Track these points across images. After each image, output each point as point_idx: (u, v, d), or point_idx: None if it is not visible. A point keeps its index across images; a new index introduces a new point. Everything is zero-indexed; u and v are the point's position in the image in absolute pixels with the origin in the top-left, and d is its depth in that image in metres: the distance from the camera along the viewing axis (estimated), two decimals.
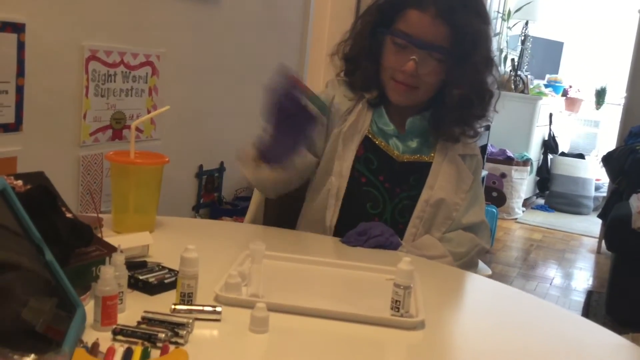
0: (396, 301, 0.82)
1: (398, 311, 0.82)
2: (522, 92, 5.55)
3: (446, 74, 1.23)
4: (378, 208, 1.27)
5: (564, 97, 6.33)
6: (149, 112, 2.18)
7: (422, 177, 1.27)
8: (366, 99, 1.31)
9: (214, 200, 2.84)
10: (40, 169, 0.97)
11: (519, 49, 5.63)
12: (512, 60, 5.57)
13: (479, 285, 1.10)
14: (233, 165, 2.86)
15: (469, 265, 1.24)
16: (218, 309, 0.78)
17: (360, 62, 1.30)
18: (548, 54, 6.34)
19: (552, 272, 3.89)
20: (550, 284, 3.65)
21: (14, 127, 1.69)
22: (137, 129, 2.12)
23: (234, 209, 2.84)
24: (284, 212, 1.40)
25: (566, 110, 6.36)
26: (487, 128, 4.65)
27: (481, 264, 1.32)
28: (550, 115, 5.81)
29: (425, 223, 1.25)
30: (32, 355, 0.46)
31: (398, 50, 1.23)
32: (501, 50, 5.41)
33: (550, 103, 5.85)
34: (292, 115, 1.06)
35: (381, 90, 1.29)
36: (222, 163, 2.82)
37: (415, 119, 1.28)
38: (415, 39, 1.20)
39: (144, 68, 2.14)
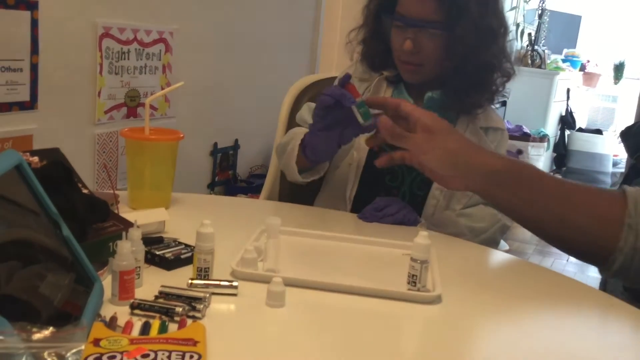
0: (413, 275, 0.81)
1: (415, 285, 0.81)
2: (539, 67, 5.47)
3: (448, 45, 1.23)
4: (396, 181, 1.29)
5: (582, 72, 6.23)
6: (163, 89, 2.18)
7: None
8: (384, 76, 1.33)
9: (228, 178, 2.85)
10: (56, 146, 0.97)
11: (536, 23, 5.54)
12: (529, 34, 5.48)
13: (496, 260, 1.09)
14: (248, 142, 2.86)
15: (490, 241, 1.23)
16: (235, 283, 0.78)
17: (373, 45, 1.33)
18: (566, 28, 6.23)
19: None
20: (567, 261, 3.63)
21: (30, 105, 1.70)
22: (152, 107, 2.12)
23: (249, 187, 2.85)
24: (299, 188, 1.40)
25: (584, 85, 6.27)
26: (504, 104, 4.59)
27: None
28: (568, 90, 5.74)
29: (446, 195, 1.25)
30: (51, 328, 0.46)
31: (398, 31, 1.25)
32: (518, 25, 5.33)
33: (568, 78, 5.76)
34: (336, 116, 1.07)
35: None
36: (236, 141, 2.82)
37: (433, 94, 1.28)
38: (408, 18, 1.22)
39: (157, 45, 2.14)
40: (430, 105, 1.28)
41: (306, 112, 1.37)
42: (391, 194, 1.28)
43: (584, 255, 0.92)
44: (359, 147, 1.30)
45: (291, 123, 1.57)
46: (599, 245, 0.87)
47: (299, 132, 1.21)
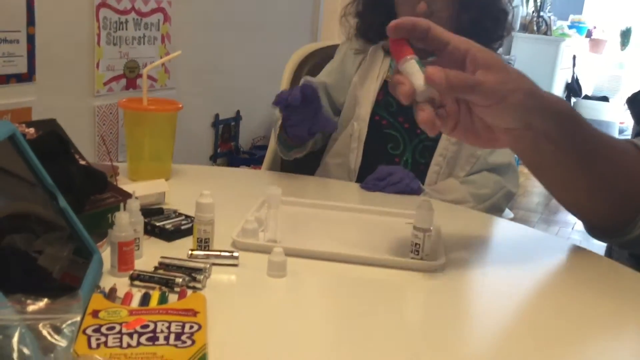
0: (415, 244, 0.80)
1: (418, 254, 0.80)
2: (545, 33, 5.40)
3: (457, 2, 1.22)
4: (398, 149, 1.28)
5: (588, 38, 6.15)
6: None
7: None
8: (380, 45, 1.33)
9: (231, 149, 2.83)
10: (55, 118, 0.96)
11: None
12: (535, 0, 5.39)
13: (501, 228, 1.08)
14: (249, 113, 2.84)
15: (495, 208, 1.22)
16: (235, 254, 0.78)
17: (370, 17, 1.33)
18: None
19: (574, 217, 3.86)
20: (572, 229, 3.62)
21: (27, 77, 1.68)
22: (151, 78, 2.10)
23: (252, 158, 2.84)
24: (301, 159, 1.39)
25: (590, 52, 6.19)
26: None
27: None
28: (574, 57, 5.67)
29: (449, 162, 1.24)
30: (45, 300, 0.45)
31: None
32: None
33: (574, 44, 5.69)
34: (300, 114, 1.09)
35: None
36: (238, 112, 2.80)
37: (432, 57, 1.26)
38: None
39: (155, 15, 2.10)
40: None
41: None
42: (393, 163, 1.27)
43: (605, 218, 0.86)
44: (359, 117, 1.30)
45: None
46: (625, 206, 0.83)
47: None
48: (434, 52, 0.72)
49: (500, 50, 1.35)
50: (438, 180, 1.24)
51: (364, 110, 1.30)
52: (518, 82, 0.71)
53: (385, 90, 1.31)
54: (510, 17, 1.30)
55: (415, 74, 0.70)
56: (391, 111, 1.30)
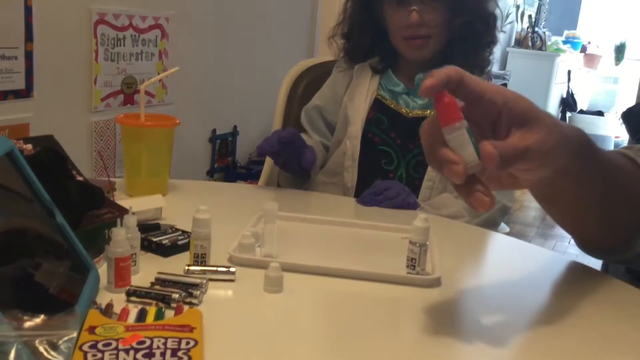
0: (412, 259, 0.80)
1: (414, 269, 0.80)
2: (540, 49, 5.44)
3: (448, 10, 1.26)
4: (392, 164, 1.29)
5: (583, 54, 6.20)
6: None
7: None
8: (367, 63, 1.35)
9: (228, 164, 2.84)
10: (53, 134, 0.96)
11: (536, 4, 5.49)
12: (529, 16, 5.44)
13: (497, 242, 1.08)
14: (247, 129, 2.85)
15: (490, 223, 1.23)
16: (232, 269, 0.78)
17: (359, 35, 1.35)
18: (566, 9, 6.19)
19: None
20: (569, 243, 3.63)
21: (25, 93, 1.68)
22: (149, 94, 2.11)
23: (249, 173, 2.84)
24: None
25: (585, 67, 6.24)
26: (504, 86, 4.57)
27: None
28: (569, 72, 5.71)
29: (442, 177, 1.24)
30: (42, 316, 0.45)
31: (396, 9, 1.26)
32: (518, 7, 5.28)
33: (569, 60, 5.73)
34: (286, 155, 1.17)
35: (386, 55, 1.34)
36: (235, 127, 2.81)
37: (424, 74, 1.28)
38: None
39: (153, 31, 2.12)
40: (421, 84, 1.28)
41: (304, 119, 1.42)
42: (387, 178, 1.28)
43: (604, 237, 0.85)
44: (351, 136, 1.31)
45: (289, 110, 1.56)
46: (625, 225, 0.82)
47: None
48: (466, 103, 0.64)
49: (494, 66, 1.38)
50: (432, 195, 1.25)
51: (355, 128, 1.31)
52: (554, 133, 0.65)
53: (376, 107, 1.33)
54: (498, 22, 1.33)
55: (466, 147, 0.60)
56: (382, 128, 1.31)
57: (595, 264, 0.98)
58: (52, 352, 0.43)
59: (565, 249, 3.49)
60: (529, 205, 4.34)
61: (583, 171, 0.74)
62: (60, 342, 0.44)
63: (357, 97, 1.34)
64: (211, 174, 2.75)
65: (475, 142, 0.60)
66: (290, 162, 1.20)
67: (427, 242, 0.81)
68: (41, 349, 0.43)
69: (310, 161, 1.21)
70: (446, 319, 0.74)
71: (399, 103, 1.32)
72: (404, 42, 1.28)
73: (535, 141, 0.63)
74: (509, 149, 0.61)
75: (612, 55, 6.31)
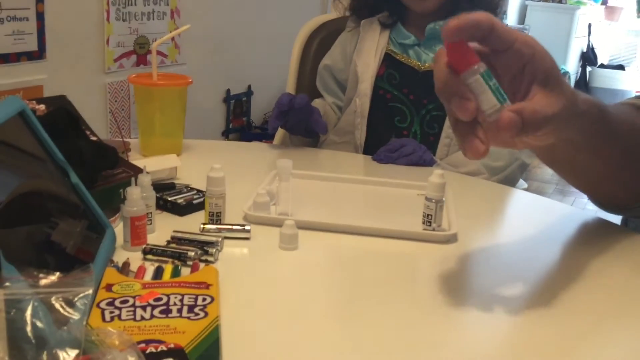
0: (428, 215, 0.80)
1: (430, 225, 0.80)
2: (560, 2, 5.29)
3: None
4: (405, 121, 1.27)
5: (604, 6, 6.02)
6: None
7: None
8: (377, 18, 1.32)
9: (243, 124, 2.83)
10: (67, 96, 0.96)
11: None
12: None
13: (514, 198, 1.07)
14: (261, 88, 2.82)
15: (509, 180, 1.21)
16: (247, 227, 0.78)
17: None
18: None
19: None
20: (588, 199, 3.60)
21: (38, 55, 1.67)
22: (161, 54, 2.09)
23: (264, 133, 2.83)
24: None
25: (606, 20, 6.07)
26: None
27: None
28: (589, 25, 5.56)
29: None
30: (58, 274, 0.45)
31: None
32: None
33: (589, 12, 5.58)
34: (292, 118, 1.17)
35: (393, 9, 1.31)
36: (249, 86, 2.79)
37: (435, 24, 1.25)
38: None
39: None
40: (432, 35, 1.26)
41: (317, 80, 1.41)
42: (401, 136, 1.26)
43: (618, 194, 0.83)
44: (360, 93, 1.29)
45: (302, 67, 1.53)
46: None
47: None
48: (492, 51, 0.59)
49: (508, 18, 1.35)
50: (449, 152, 1.23)
51: (364, 85, 1.29)
52: (571, 105, 0.61)
53: (387, 63, 1.30)
54: None
55: (484, 93, 0.56)
56: (394, 84, 1.29)
57: (615, 219, 0.96)
58: (68, 309, 0.44)
59: (585, 205, 3.46)
60: None
61: (590, 144, 0.71)
62: (76, 298, 0.44)
63: (365, 53, 1.31)
64: (226, 135, 2.74)
65: (495, 85, 0.56)
66: (297, 125, 1.20)
67: (443, 198, 0.80)
68: (57, 305, 0.43)
69: (322, 124, 1.20)
70: (462, 275, 0.73)
71: (410, 57, 1.29)
72: None
73: (559, 110, 0.58)
74: (533, 119, 0.56)
75: (634, 7, 6.12)
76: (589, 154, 0.74)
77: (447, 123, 1.22)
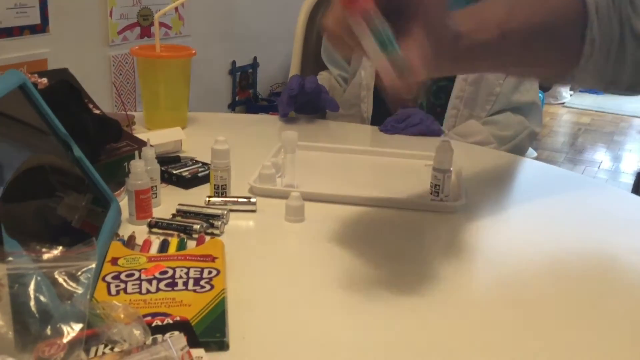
0: (435, 185, 0.79)
1: (438, 195, 0.79)
2: None
3: None
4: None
5: None
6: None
7: None
8: None
9: (249, 97, 2.81)
10: (71, 70, 0.95)
11: None
12: None
13: (523, 167, 1.05)
14: (267, 60, 2.79)
15: (518, 149, 1.19)
16: (253, 199, 0.77)
17: None
18: None
19: (601, 156, 3.79)
20: (599, 168, 3.57)
21: (41, 28, 1.66)
22: (165, 25, 2.07)
23: (270, 105, 2.82)
24: None
25: None
26: None
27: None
28: None
29: (467, 103, 1.20)
30: (60, 248, 0.45)
31: None
32: None
33: None
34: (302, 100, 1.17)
35: None
36: (255, 58, 2.76)
37: None
38: None
39: None
40: None
41: (323, 53, 1.38)
42: (408, 107, 1.24)
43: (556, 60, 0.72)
44: (365, 65, 1.26)
45: (308, 38, 1.51)
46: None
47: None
48: None
49: None
50: (457, 123, 1.21)
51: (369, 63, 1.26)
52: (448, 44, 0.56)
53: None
54: None
55: (366, 39, 0.50)
56: None
57: (626, 186, 0.95)
58: (72, 283, 0.43)
59: (595, 174, 3.43)
60: (558, 131, 4.26)
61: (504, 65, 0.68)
62: (79, 273, 0.44)
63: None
64: (233, 107, 2.73)
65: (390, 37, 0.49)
66: (306, 106, 1.20)
67: (451, 169, 0.79)
68: (60, 280, 0.43)
69: (334, 103, 1.19)
70: (471, 245, 0.73)
71: None
72: None
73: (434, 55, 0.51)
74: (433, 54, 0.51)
75: None
76: (511, 64, 0.69)
77: (454, 94, 1.20)
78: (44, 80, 0.86)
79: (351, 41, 0.52)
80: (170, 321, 0.50)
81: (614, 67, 0.68)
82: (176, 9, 2.09)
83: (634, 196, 0.91)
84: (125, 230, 0.69)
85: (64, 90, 0.75)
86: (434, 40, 0.52)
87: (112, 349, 0.44)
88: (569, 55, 0.69)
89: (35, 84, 0.76)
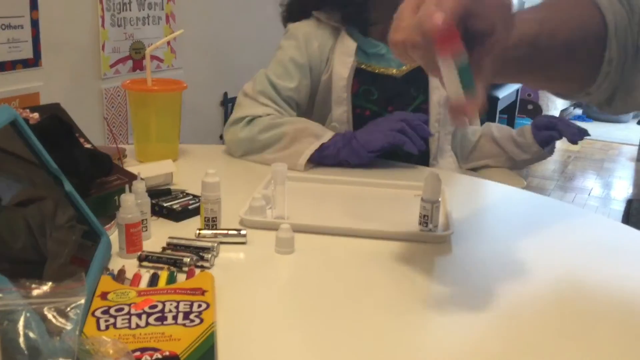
0: (424, 216, 0.79)
1: (427, 226, 0.80)
2: None
3: None
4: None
5: None
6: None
7: (421, 83, 1.21)
8: (344, 30, 1.20)
9: None
10: (64, 103, 0.95)
11: None
12: None
13: (512, 197, 1.06)
14: None
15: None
16: (243, 232, 0.77)
17: None
18: None
19: (591, 183, 3.82)
20: (589, 195, 3.59)
21: (34, 62, 1.67)
22: (157, 59, 2.09)
23: None
24: None
25: None
26: None
27: (515, 175, 1.29)
28: None
29: (444, 124, 1.22)
30: (50, 284, 0.45)
31: None
32: None
33: None
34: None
35: (354, 12, 1.19)
36: None
37: None
38: None
39: None
40: None
41: (278, 68, 1.26)
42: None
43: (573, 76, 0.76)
44: (338, 120, 1.19)
45: None
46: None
47: (301, 134, 1.10)
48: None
49: None
50: (439, 143, 1.22)
51: (340, 111, 1.18)
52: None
53: (359, 78, 1.18)
54: None
55: (450, 80, 0.54)
56: (372, 100, 1.20)
57: (617, 216, 0.96)
58: (61, 319, 0.43)
59: (586, 201, 3.45)
60: (548, 159, 4.29)
61: (530, 76, 0.73)
62: (69, 308, 0.44)
63: (339, 65, 1.17)
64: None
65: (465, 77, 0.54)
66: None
67: (439, 199, 0.80)
68: (50, 316, 0.43)
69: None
70: (459, 276, 0.73)
71: (381, 65, 1.20)
72: None
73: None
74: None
75: None
76: (533, 78, 0.74)
77: (432, 117, 1.19)
78: (36, 115, 0.87)
79: (425, 66, 0.57)
80: (160, 356, 0.50)
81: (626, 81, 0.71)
82: (168, 42, 2.12)
83: (623, 226, 0.92)
84: (115, 264, 0.69)
85: (55, 126, 0.76)
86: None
87: None
88: (589, 72, 0.73)
89: (26, 120, 0.76)
